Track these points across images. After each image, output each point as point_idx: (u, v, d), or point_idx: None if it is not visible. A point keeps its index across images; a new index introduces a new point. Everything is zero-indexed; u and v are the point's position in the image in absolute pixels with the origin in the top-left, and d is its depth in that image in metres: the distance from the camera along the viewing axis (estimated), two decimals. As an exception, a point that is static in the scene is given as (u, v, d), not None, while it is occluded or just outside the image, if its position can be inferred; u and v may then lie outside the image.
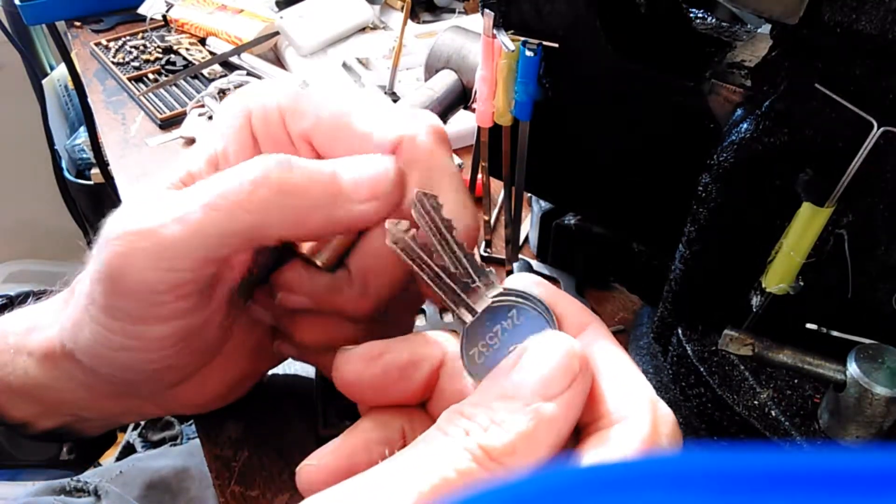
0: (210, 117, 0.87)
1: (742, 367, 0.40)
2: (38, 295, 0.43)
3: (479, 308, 0.29)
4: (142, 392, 0.38)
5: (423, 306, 0.60)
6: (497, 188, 0.61)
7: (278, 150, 0.33)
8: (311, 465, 0.28)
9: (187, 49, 1.01)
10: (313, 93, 0.34)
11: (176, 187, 0.33)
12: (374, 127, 0.33)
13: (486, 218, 0.63)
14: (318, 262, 0.34)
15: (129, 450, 1.09)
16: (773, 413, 0.38)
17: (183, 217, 0.29)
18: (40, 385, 0.37)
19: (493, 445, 0.24)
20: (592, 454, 0.24)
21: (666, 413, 0.26)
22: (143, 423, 1.07)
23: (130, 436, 1.08)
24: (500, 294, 0.29)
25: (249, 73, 0.94)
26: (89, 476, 0.67)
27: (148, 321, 0.32)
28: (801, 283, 0.36)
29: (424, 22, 1.03)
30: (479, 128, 0.49)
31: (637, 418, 0.25)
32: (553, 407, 0.24)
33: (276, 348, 0.40)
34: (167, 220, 0.29)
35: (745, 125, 0.35)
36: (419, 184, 0.33)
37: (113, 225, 0.30)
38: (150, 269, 0.30)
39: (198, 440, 0.51)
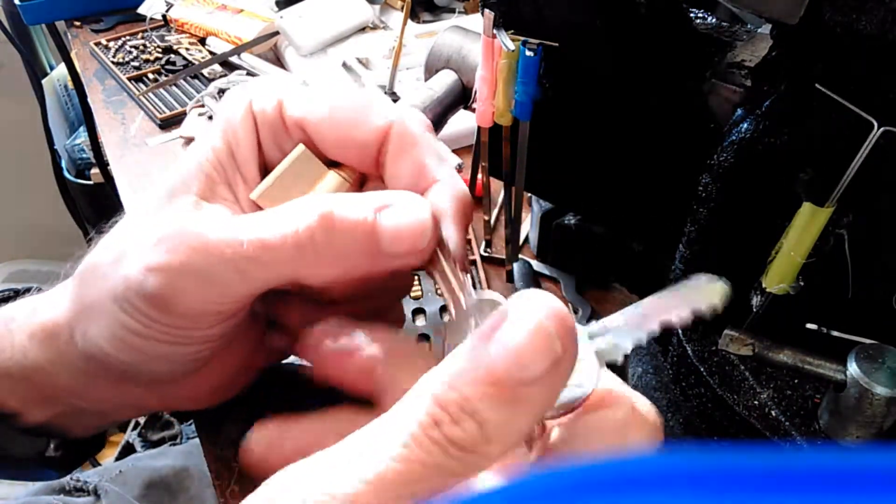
0: (210, 117, 0.87)
1: (742, 367, 0.40)
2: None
3: (467, 304, 0.29)
4: (141, 381, 0.38)
5: (423, 306, 0.60)
6: (497, 188, 0.61)
7: (274, 135, 0.35)
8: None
9: (187, 49, 1.01)
10: (309, 86, 0.36)
11: (202, 183, 0.34)
12: (365, 114, 0.34)
13: (486, 218, 0.63)
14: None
15: (128, 449, 1.09)
16: (773, 413, 0.38)
17: (231, 258, 0.30)
18: (37, 368, 0.37)
19: (461, 438, 0.22)
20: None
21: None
22: (142, 422, 1.07)
23: (130, 435, 1.08)
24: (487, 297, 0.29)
25: (249, 73, 0.94)
26: (89, 475, 0.67)
27: (180, 330, 0.33)
28: (801, 283, 0.36)
29: (424, 22, 1.03)
30: (479, 128, 0.49)
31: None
32: (530, 392, 0.23)
33: (268, 341, 0.40)
34: (215, 258, 0.30)
35: (745, 125, 0.35)
36: (411, 167, 0.34)
37: (158, 237, 0.31)
38: (196, 300, 0.31)
39: (197, 440, 0.51)
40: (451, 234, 0.32)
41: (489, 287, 0.64)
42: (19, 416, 0.39)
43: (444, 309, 0.60)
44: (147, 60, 1.00)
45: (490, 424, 0.22)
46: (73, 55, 1.20)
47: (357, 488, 0.21)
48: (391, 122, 0.34)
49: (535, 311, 0.23)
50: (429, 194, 0.33)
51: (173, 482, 0.68)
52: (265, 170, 0.36)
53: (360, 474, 0.22)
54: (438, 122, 0.55)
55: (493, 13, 0.42)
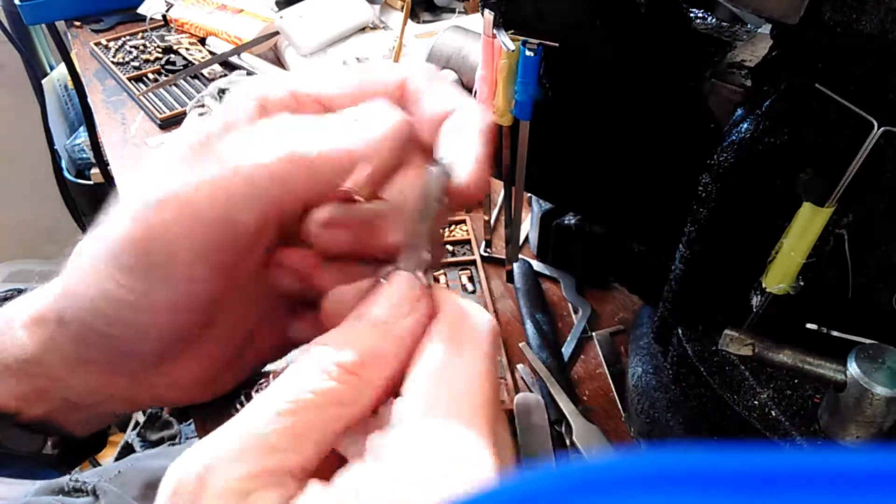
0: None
1: (742, 367, 0.40)
2: None
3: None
4: (126, 364, 0.38)
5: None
6: (497, 188, 0.61)
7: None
8: None
9: (187, 49, 1.01)
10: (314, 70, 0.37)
11: (194, 150, 0.34)
12: (375, 78, 0.35)
13: (486, 218, 0.63)
14: (360, 197, 0.35)
15: (127, 450, 1.09)
16: (773, 413, 0.38)
17: (213, 182, 0.31)
18: (32, 359, 0.38)
19: (345, 360, 0.26)
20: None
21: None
22: (141, 422, 1.07)
23: (129, 436, 1.08)
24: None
25: (249, 73, 0.94)
26: (88, 476, 0.67)
27: (173, 284, 0.33)
28: (801, 283, 0.36)
29: (424, 22, 1.03)
30: (479, 128, 0.49)
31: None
32: (398, 325, 0.28)
33: (294, 331, 0.41)
34: (198, 187, 0.31)
35: (745, 125, 0.35)
36: (430, 103, 0.34)
37: (144, 192, 0.31)
38: (183, 238, 0.31)
39: (196, 440, 0.51)
40: (469, 144, 0.33)
41: (489, 287, 0.64)
42: (17, 415, 0.40)
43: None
44: (147, 60, 1.00)
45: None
46: (73, 55, 1.20)
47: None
48: (405, 77, 0.35)
49: (401, 279, 0.30)
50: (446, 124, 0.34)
51: None
52: None
53: (272, 407, 0.25)
54: (438, 122, 0.55)
55: (493, 13, 0.42)
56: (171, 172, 0.32)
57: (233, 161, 0.31)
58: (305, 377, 0.26)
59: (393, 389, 0.28)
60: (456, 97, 0.34)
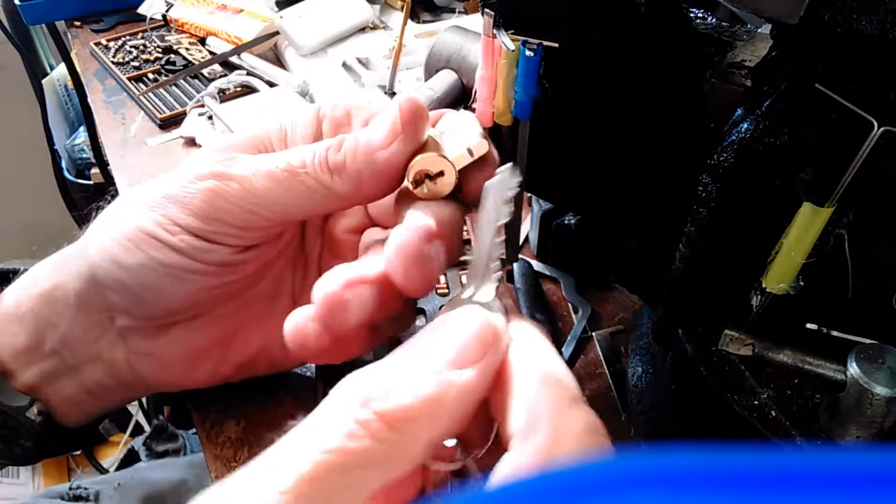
0: (210, 117, 0.87)
1: (742, 367, 0.40)
2: None
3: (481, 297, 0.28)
4: (128, 313, 0.40)
5: (423, 306, 0.60)
6: (497, 188, 0.61)
7: (337, 130, 0.40)
8: None
9: (187, 49, 1.01)
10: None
11: (247, 151, 0.39)
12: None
13: (486, 218, 0.63)
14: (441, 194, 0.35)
15: (132, 457, 1.09)
16: (773, 413, 0.38)
17: (268, 174, 0.35)
18: (41, 294, 0.40)
19: (389, 410, 0.21)
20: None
21: (574, 423, 0.22)
22: (148, 433, 1.07)
23: (136, 443, 1.08)
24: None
25: (249, 73, 0.94)
26: (89, 483, 0.67)
27: (209, 242, 0.36)
28: (801, 283, 0.36)
29: (424, 22, 1.02)
30: (479, 128, 0.49)
31: (534, 432, 0.22)
32: (461, 375, 0.23)
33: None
34: (251, 168, 0.35)
35: (745, 125, 0.35)
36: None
37: (206, 164, 0.36)
38: (238, 208, 0.35)
39: (201, 454, 0.51)
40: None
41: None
42: (11, 376, 0.41)
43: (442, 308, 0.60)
44: (147, 60, 1.00)
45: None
46: (73, 55, 1.20)
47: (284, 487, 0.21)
48: (442, 112, 0.40)
49: (469, 314, 0.26)
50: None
51: (171, 497, 0.68)
52: None
53: (293, 468, 0.21)
54: (438, 122, 0.55)
55: (493, 13, 0.42)
56: (237, 161, 0.36)
57: (285, 163, 0.35)
58: (331, 428, 0.22)
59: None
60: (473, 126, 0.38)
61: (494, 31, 0.42)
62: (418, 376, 0.22)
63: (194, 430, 0.46)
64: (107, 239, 0.37)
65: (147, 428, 1.16)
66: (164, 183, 0.37)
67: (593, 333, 0.60)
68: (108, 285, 0.38)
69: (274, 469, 0.21)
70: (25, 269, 0.44)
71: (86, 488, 0.66)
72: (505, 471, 0.21)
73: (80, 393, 0.42)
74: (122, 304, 0.39)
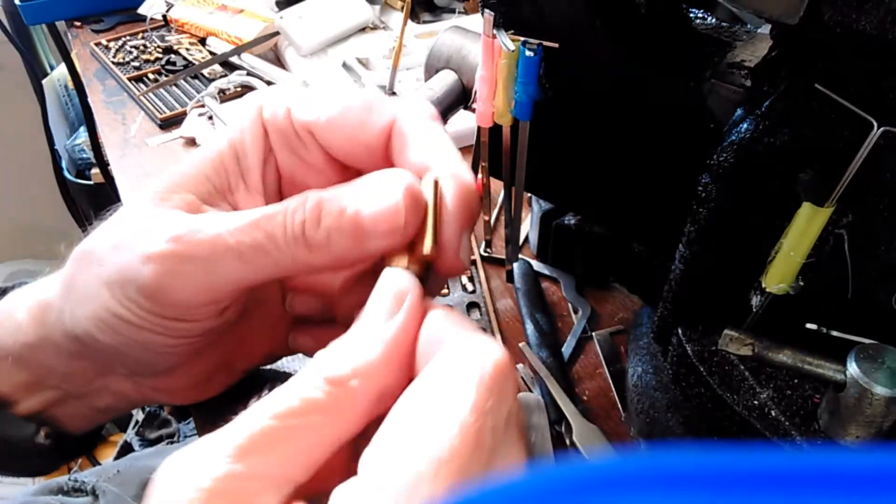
0: (210, 117, 0.87)
1: (742, 367, 0.40)
2: None
3: None
4: (121, 369, 0.39)
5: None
6: (497, 188, 0.61)
7: (286, 140, 0.36)
8: None
9: (187, 49, 1.01)
10: (315, 90, 0.36)
11: (201, 185, 0.35)
12: (368, 114, 0.34)
13: (486, 218, 0.63)
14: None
15: (127, 449, 1.09)
16: (773, 413, 0.38)
17: (232, 250, 0.31)
18: (30, 345, 0.38)
19: (332, 372, 0.26)
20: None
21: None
22: (140, 421, 1.07)
23: (129, 434, 1.08)
24: None
25: (249, 73, 0.94)
26: (87, 476, 0.67)
27: (168, 321, 0.34)
28: (801, 283, 0.36)
29: (424, 22, 1.03)
30: (479, 128, 0.49)
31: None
32: (385, 329, 0.27)
33: (292, 342, 0.41)
34: (210, 245, 0.31)
35: (745, 125, 0.35)
36: (415, 154, 0.33)
37: (157, 237, 0.32)
38: (191, 290, 0.32)
39: (195, 438, 0.51)
40: (449, 235, 0.32)
41: (489, 287, 0.64)
42: (14, 405, 0.40)
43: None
44: (147, 60, 1.00)
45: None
46: (73, 55, 1.20)
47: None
48: (393, 119, 0.34)
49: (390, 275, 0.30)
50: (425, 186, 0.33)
51: None
52: (279, 176, 0.37)
53: (264, 413, 0.24)
54: (438, 122, 0.55)
55: (493, 13, 0.42)
56: (183, 217, 0.32)
57: (248, 234, 0.31)
58: (299, 386, 0.26)
59: (391, 403, 0.26)
60: (439, 154, 0.33)
61: (494, 32, 0.42)
62: (355, 339, 0.27)
63: (189, 419, 0.46)
64: (81, 317, 0.35)
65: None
66: (119, 245, 0.33)
67: (593, 333, 0.60)
68: (95, 352, 0.36)
69: (254, 411, 0.25)
70: (15, 286, 0.43)
71: (84, 481, 0.66)
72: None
73: (90, 412, 0.42)
74: (114, 363, 0.38)
